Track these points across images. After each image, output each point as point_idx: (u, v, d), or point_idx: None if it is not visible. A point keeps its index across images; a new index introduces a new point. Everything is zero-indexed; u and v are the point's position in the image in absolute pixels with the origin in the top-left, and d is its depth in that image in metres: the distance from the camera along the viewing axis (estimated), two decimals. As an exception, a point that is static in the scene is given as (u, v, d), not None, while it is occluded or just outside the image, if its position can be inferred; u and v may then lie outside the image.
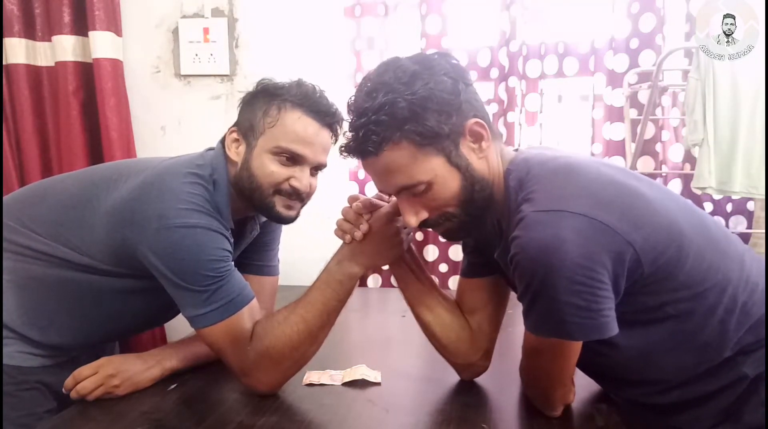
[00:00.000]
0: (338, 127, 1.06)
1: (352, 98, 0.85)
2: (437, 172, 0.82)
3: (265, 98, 1.03)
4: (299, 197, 1.04)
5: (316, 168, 1.06)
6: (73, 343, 1.08)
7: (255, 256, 1.20)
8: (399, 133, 0.79)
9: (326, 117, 1.03)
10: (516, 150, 0.92)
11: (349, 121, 0.85)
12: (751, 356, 0.79)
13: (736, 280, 0.80)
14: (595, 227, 0.72)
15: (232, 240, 0.99)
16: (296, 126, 1.00)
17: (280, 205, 1.03)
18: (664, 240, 0.76)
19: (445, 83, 0.81)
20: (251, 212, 1.11)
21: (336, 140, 1.06)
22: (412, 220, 0.86)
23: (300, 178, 1.01)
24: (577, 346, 0.80)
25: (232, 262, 0.97)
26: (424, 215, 0.86)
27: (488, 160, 0.86)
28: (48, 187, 1.11)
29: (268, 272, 1.23)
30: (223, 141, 1.07)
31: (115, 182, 1.00)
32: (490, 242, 0.94)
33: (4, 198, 1.12)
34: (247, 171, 1.02)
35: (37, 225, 1.03)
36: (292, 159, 1.01)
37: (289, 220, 1.06)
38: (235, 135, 1.05)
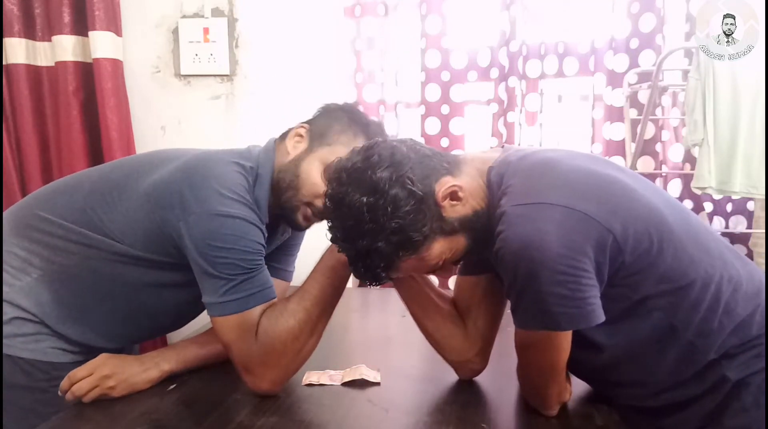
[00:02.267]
0: None
1: (334, 240, 0.86)
2: (444, 250, 0.85)
3: (349, 118, 1.06)
4: (321, 218, 1.04)
5: None
6: (106, 342, 1.08)
7: (275, 258, 1.21)
8: (396, 260, 0.82)
9: None
10: (503, 146, 0.94)
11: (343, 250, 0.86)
12: (734, 360, 0.80)
13: (718, 278, 0.80)
14: (575, 217, 0.74)
15: (266, 234, 0.99)
16: None
17: (301, 214, 1.04)
18: (643, 229, 0.77)
19: (400, 196, 0.80)
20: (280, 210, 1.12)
21: None
22: (450, 274, 0.97)
23: None
24: (566, 338, 0.80)
25: (263, 258, 0.97)
26: (452, 267, 0.91)
27: (471, 194, 0.87)
28: (83, 176, 1.12)
29: (283, 277, 1.24)
30: (281, 137, 1.08)
31: (156, 167, 1.01)
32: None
33: (37, 191, 1.13)
34: (295, 168, 1.03)
35: (70, 213, 1.03)
36: None
37: (301, 230, 1.10)
38: (303, 131, 1.07)
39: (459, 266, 1.05)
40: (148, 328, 1.18)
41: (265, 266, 0.97)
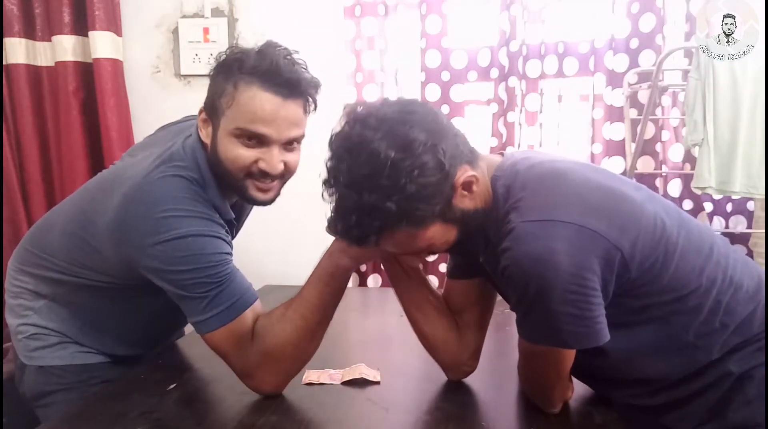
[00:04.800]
0: (311, 95, 0.97)
1: (332, 182, 0.79)
2: (436, 236, 0.82)
3: (223, 74, 0.95)
4: (272, 178, 0.97)
5: (290, 142, 0.97)
6: (126, 350, 1.12)
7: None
8: (394, 227, 0.78)
9: (288, 89, 0.92)
10: (502, 153, 0.92)
11: (334, 205, 0.80)
12: (736, 354, 0.80)
13: (720, 281, 0.80)
14: (585, 235, 0.73)
15: (229, 238, 0.98)
16: (252, 104, 0.91)
17: (252, 188, 0.97)
18: (650, 245, 0.77)
19: (430, 164, 0.75)
20: None
21: (314, 107, 0.99)
22: (417, 265, 0.97)
23: (267, 159, 0.94)
24: (572, 350, 0.81)
25: (232, 264, 0.95)
26: (428, 257, 0.91)
27: (480, 191, 0.84)
28: (54, 214, 1.13)
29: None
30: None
31: (102, 203, 0.97)
32: (476, 245, 0.94)
33: (33, 226, 1.16)
34: (215, 155, 0.96)
35: (52, 253, 1.06)
36: (256, 139, 0.93)
37: (266, 203, 1.01)
38: (203, 115, 0.99)
39: (450, 269, 1.04)
40: (162, 330, 1.20)
41: (238, 270, 0.95)
